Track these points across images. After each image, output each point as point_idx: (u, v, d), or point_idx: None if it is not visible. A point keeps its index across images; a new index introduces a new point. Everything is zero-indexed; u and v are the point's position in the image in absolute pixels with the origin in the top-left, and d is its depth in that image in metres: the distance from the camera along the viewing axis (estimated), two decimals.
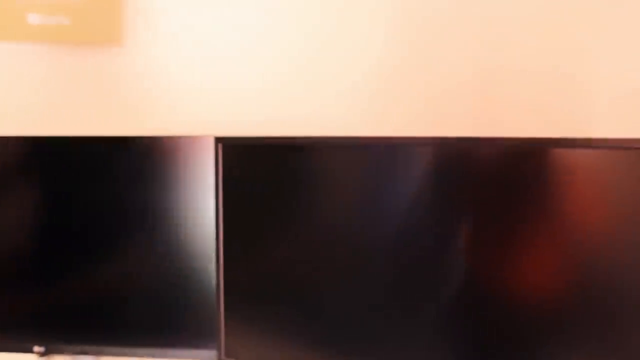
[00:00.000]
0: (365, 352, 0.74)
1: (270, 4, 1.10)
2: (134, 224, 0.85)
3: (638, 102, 1.07)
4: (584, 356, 0.65)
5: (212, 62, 1.12)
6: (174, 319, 0.86)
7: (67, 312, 0.88)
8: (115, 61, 1.13)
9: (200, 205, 0.84)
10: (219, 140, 0.79)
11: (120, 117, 1.13)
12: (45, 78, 1.14)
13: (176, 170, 0.84)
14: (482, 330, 0.69)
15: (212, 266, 0.82)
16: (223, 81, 1.13)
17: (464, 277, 0.69)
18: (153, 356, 0.87)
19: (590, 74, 1.07)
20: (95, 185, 0.85)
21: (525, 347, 0.67)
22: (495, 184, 0.67)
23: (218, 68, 1.13)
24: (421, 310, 0.71)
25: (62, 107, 1.14)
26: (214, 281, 0.82)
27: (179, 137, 0.84)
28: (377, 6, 1.08)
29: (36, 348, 0.88)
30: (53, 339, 0.88)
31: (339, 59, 1.10)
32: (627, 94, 1.07)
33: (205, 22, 1.12)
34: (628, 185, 0.63)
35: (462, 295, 0.69)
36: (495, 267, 0.68)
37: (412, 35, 1.09)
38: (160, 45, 1.12)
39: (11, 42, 1.12)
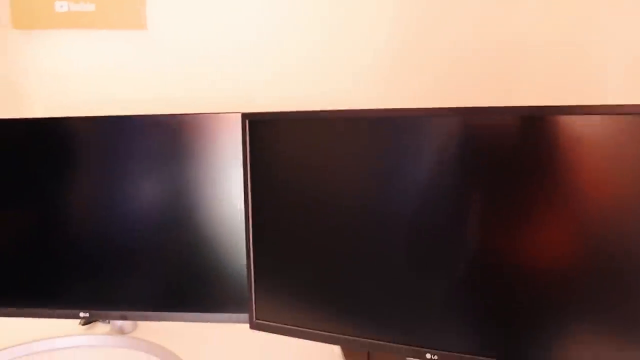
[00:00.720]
0: (384, 313, 0.77)
1: None
2: (168, 198, 0.88)
3: None
4: (594, 319, 0.66)
5: (233, 44, 1.15)
6: (210, 286, 0.90)
7: (111, 282, 0.92)
8: (139, 44, 1.16)
9: (229, 179, 0.87)
10: (245, 116, 0.81)
11: (150, 96, 1.17)
12: (76, 62, 1.18)
13: (206, 145, 0.87)
14: (497, 295, 0.70)
15: (243, 235, 0.86)
16: (244, 63, 1.15)
17: (480, 244, 0.70)
18: (192, 320, 0.91)
19: (603, 41, 1.06)
20: (131, 160, 0.89)
21: (538, 313, 0.68)
22: (508, 152, 0.67)
23: (239, 51, 1.15)
24: (439, 276, 0.73)
25: (89, 87, 1.18)
26: (244, 250, 0.86)
27: (208, 114, 0.87)
28: None
29: (82, 314, 0.93)
30: (97, 306, 0.92)
31: (352, 39, 1.11)
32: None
33: (225, 7, 1.14)
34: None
35: (477, 263, 0.70)
36: (509, 233, 0.68)
37: (420, 9, 1.10)
38: (183, 29, 1.15)
39: (41, 29, 1.17)
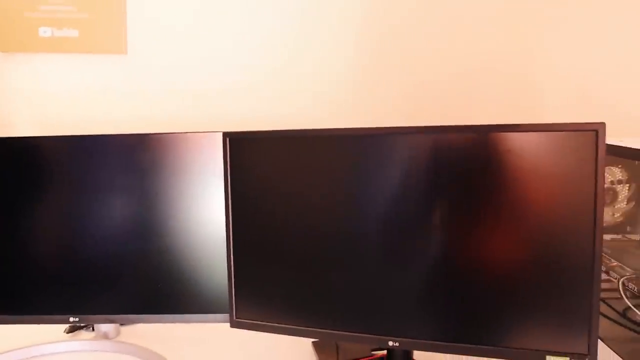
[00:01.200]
0: (352, 310, 0.84)
1: (260, 17, 1.22)
2: (153, 210, 0.95)
3: (580, 94, 1.24)
4: (534, 308, 0.75)
5: (209, 67, 1.23)
6: (194, 289, 0.96)
7: (101, 288, 0.97)
8: (120, 68, 1.23)
9: (211, 192, 0.93)
10: (226, 135, 0.88)
11: (131, 116, 1.23)
12: (59, 85, 1.24)
13: (188, 162, 0.93)
14: (452, 290, 0.78)
15: (224, 243, 0.93)
16: (220, 84, 1.23)
17: (440, 248, 0.78)
18: (178, 321, 0.97)
19: (543, 72, 1.23)
20: (120, 176, 0.94)
21: (487, 303, 0.77)
22: (461, 165, 0.75)
23: (215, 72, 1.23)
24: (402, 276, 0.81)
25: (79, 109, 1.24)
26: (225, 256, 0.92)
27: (190, 133, 0.93)
28: (347, 14, 1.21)
29: (71, 318, 0.97)
30: (85, 311, 0.97)
31: (315, 65, 1.22)
32: (571, 87, 1.24)
33: (200, 31, 1.23)
34: (572, 164, 0.71)
35: (436, 263, 0.79)
36: (465, 237, 0.77)
37: (379, 39, 1.22)
38: (160, 54, 1.23)
39: (25, 53, 1.22)
